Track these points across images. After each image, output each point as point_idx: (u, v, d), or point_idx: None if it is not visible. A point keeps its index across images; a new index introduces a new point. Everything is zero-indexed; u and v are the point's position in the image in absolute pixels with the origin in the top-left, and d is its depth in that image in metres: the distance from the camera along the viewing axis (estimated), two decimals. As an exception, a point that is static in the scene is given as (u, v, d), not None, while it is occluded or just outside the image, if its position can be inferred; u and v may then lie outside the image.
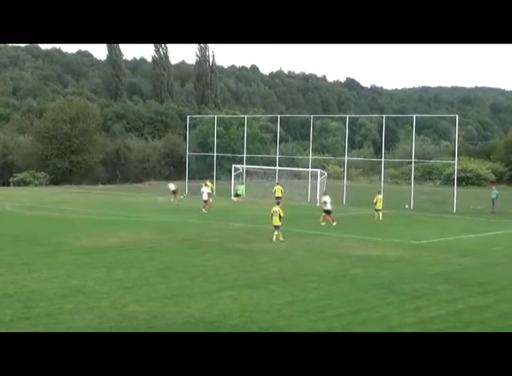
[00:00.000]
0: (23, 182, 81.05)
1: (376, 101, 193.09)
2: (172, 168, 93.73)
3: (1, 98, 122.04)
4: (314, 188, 62.79)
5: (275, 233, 36.43)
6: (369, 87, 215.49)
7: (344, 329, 18.76)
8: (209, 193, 53.44)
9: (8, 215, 47.53)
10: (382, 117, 71.05)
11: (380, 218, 48.16)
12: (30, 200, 51.54)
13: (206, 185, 54.98)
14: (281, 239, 36.19)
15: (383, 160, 67.10)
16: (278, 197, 53.07)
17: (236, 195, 62.30)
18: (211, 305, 21.59)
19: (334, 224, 43.72)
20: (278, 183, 59.58)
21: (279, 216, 36.32)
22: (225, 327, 18.99)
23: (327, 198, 45.29)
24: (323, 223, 44.29)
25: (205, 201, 52.25)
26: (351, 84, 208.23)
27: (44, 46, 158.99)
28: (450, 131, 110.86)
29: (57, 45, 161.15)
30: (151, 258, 30.60)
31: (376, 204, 48.96)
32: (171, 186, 60.34)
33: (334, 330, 18.68)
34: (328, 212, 44.73)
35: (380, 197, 49.38)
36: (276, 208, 36.81)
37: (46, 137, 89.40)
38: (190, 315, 20.25)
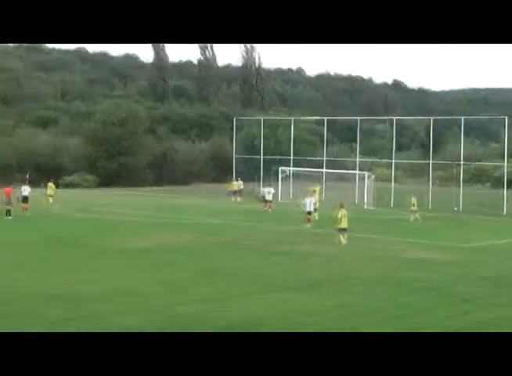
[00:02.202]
0: (71, 185, 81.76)
1: (424, 103, 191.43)
2: (219, 170, 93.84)
3: (50, 101, 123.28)
4: (361, 191, 62.45)
5: (341, 235, 36.16)
6: (416, 89, 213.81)
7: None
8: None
9: (57, 217, 47.95)
10: (430, 119, 70.41)
11: (419, 218, 47.93)
12: (79, 202, 52.00)
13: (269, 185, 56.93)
14: (344, 241, 36.01)
15: (430, 162, 66.48)
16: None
17: (264, 200, 57.40)
18: (258, 307, 21.52)
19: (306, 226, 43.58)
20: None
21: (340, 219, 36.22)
22: (273, 329, 18.88)
23: (308, 200, 45.04)
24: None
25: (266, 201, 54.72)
26: (398, 86, 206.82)
27: (91, 49, 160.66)
28: (499, 133, 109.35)
29: (104, 49, 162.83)
30: (197, 260, 30.65)
31: (412, 206, 48.74)
32: (240, 185, 65.48)
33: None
34: (309, 213, 44.59)
35: (415, 199, 49.05)
36: (345, 211, 36.56)
37: (95, 140, 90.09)
38: (237, 317, 20.20)
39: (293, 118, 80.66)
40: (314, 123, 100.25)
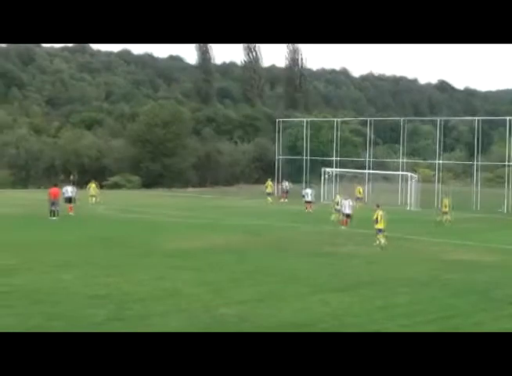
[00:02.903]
0: (116, 186, 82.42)
1: (470, 103, 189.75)
2: (262, 171, 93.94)
3: (95, 103, 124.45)
4: (405, 192, 62.11)
5: (379, 236, 36.01)
6: (462, 89, 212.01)
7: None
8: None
9: (101, 217, 48.35)
10: (475, 120, 69.84)
11: (450, 220, 47.31)
12: (123, 202, 52.40)
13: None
14: (383, 242, 35.83)
15: (475, 163, 65.98)
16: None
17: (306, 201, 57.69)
18: (302, 309, 21.50)
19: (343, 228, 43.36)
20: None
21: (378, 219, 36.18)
22: (316, 330, 18.86)
23: (346, 202, 44.54)
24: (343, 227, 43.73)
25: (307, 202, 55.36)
26: (443, 86, 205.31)
27: (136, 51, 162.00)
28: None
29: (149, 50, 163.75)
30: (240, 261, 30.70)
31: (443, 207, 48.13)
32: (286, 186, 66.82)
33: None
34: (348, 216, 44.09)
35: (447, 200, 48.43)
36: (382, 212, 36.46)
37: (139, 141, 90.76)
38: (281, 318, 20.19)
39: (336, 119, 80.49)
40: (358, 124, 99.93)
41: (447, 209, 47.87)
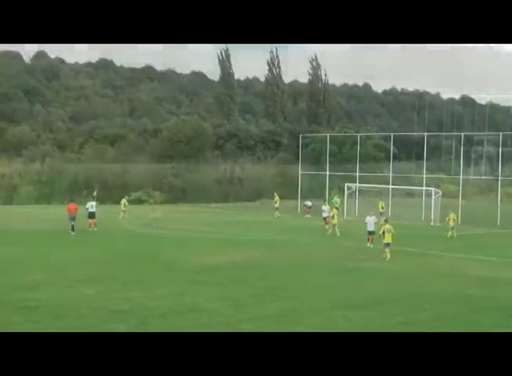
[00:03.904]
0: (138, 201, 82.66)
1: (493, 118, 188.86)
2: (284, 187, 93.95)
3: (118, 119, 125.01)
4: (428, 207, 61.89)
5: (386, 250, 36.53)
6: (484, 104, 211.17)
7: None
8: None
9: (123, 232, 48.51)
10: (499, 135, 69.49)
11: (455, 235, 47.14)
12: (145, 218, 52.52)
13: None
14: (388, 256, 36.31)
15: (499, 178, 65.61)
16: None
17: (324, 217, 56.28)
18: (323, 325, 21.48)
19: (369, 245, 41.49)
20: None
21: (391, 233, 36.67)
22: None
23: (371, 219, 42.45)
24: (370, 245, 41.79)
25: (324, 219, 54.02)
26: (466, 101, 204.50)
27: (159, 67, 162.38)
28: None
29: (171, 66, 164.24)
30: (262, 277, 30.71)
31: (451, 222, 48.01)
32: (308, 203, 66.29)
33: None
34: (371, 233, 41.88)
35: (453, 215, 48.37)
36: (388, 226, 36.92)
37: (162, 156, 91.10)
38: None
39: (359, 135, 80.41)
40: (381, 139, 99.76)
41: (453, 224, 47.79)
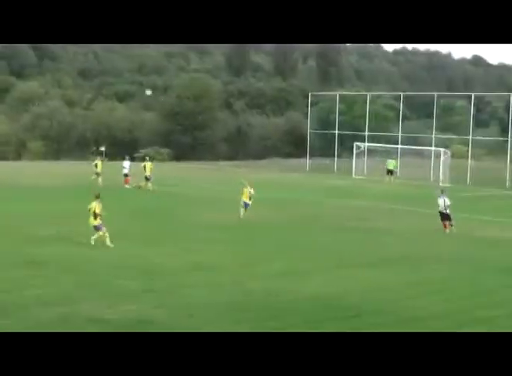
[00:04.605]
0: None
1: (504, 78, 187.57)
2: (293, 145, 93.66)
3: (127, 75, 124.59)
4: (437, 167, 61.65)
5: None
6: (496, 64, 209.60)
7: (464, 312, 18.43)
8: None
9: (134, 190, 48.16)
10: (510, 95, 68.98)
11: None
12: (154, 175, 52.28)
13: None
14: None
15: (509, 139, 65.20)
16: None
17: (389, 171, 60.13)
18: (330, 283, 21.49)
19: (451, 230, 33.21)
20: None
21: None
22: (344, 304, 18.87)
23: (441, 200, 33.92)
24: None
25: None
26: (477, 61, 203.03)
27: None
28: None
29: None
30: (269, 236, 30.69)
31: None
32: None
33: (453, 312, 18.40)
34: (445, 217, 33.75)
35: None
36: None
37: (170, 114, 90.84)
38: (308, 291, 20.19)
39: (369, 93, 79.91)
40: (391, 98, 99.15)
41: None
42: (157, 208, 38.62)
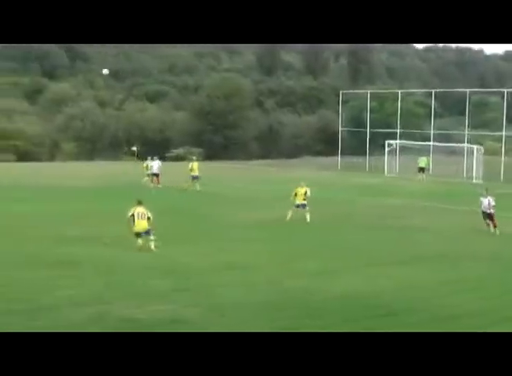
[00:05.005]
0: (179, 158, 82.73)
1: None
2: (325, 143, 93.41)
3: (158, 75, 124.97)
4: (470, 164, 61.15)
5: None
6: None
7: (496, 311, 18.19)
8: None
9: (167, 189, 48.17)
10: (543, 91, 68.44)
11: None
12: (186, 174, 52.23)
13: None
14: None
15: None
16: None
17: (421, 169, 59.75)
18: (366, 282, 21.35)
19: (494, 231, 32.14)
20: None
21: None
22: (379, 303, 18.70)
23: (486, 200, 32.95)
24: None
25: None
26: (509, 56, 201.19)
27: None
28: None
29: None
30: (308, 234, 30.61)
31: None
32: None
33: (486, 309, 18.17)
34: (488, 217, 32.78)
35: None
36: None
37: (201, 113, 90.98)
38: (344, 291, 20.04)
39: (400, 91, 79.46)
40: (422, 96, 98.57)
41: None
42: (190, 208, 38.59)
